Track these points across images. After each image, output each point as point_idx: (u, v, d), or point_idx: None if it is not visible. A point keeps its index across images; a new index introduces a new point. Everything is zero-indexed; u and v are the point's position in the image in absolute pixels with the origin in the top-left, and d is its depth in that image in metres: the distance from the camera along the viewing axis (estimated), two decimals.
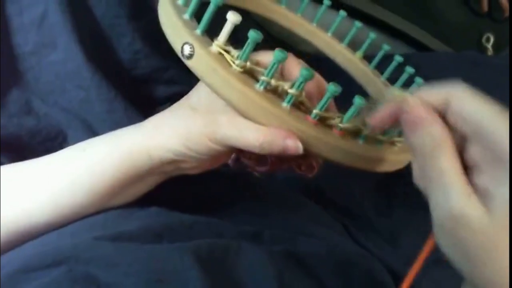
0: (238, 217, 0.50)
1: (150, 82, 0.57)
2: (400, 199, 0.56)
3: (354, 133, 0.39)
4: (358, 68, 0.56)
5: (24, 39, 0.51)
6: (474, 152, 0.30)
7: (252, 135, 0.37)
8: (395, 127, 0.37)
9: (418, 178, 0.32)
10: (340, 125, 0.38)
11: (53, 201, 0.43)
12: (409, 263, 0.51)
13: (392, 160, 0.41)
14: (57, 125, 0.53)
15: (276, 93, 0.38)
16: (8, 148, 0.50)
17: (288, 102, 0.37)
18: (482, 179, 0.29)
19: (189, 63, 0.37)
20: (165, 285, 0.35)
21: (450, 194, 0.29)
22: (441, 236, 0.30)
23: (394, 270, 0.52)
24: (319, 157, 0.39)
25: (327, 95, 0.36)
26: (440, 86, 0.31)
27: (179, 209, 0.46)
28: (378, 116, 0.34)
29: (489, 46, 0.86)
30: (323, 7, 0.53)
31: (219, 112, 0.39)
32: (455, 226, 0.28)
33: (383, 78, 0.54)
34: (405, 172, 0.37)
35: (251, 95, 0.36)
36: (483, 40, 0.87)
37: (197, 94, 0.42)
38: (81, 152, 0.44)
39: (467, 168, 0.30)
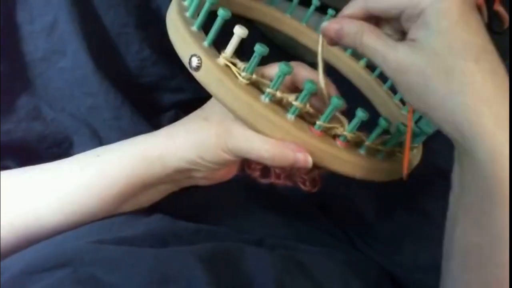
0: (240, 225, 0.50)
1: (156, 89, 0.57)
2: (401, 204, 0.56)
3: (356, 144, 0.40)
4: (362, 77, 0.57)
5: (35, 46, 0.52)
6: (403, 23, 0.36)
7: (263, 146, 0.38)
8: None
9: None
10: (344, 135, 0.39)
11: (64, 205, 0.43)
12: (410, 269, 0.52)
13: (392, 170, 0.42)
14: (64, 131, 0.54)
15: (281, 105, 0.39)
16: (15, 152, 0.52)
17: (293, 113, 0.38)
18: (410, 33, 0.35)
19: (196, 74, 0.38)
20: (169, 286, 0.35)
21: (383, 54, 0.36)
22: (399, 85, 0.36)
23: (395, 275, 0.52)
24: (323, 167, 0.39)
25: (330, 107, 0.37)
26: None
27: (182, 217, 0.47)
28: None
29: None
30: (327, 16, 0.53)
31: (232, 123, 0.40)
32: (398, 70, 0.35)
33: (385, 87, 0.55)
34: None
35: (256, 107, 0.37)
36: None
37: (211, 105, 0.43)
38: (94, 158, 0.45)
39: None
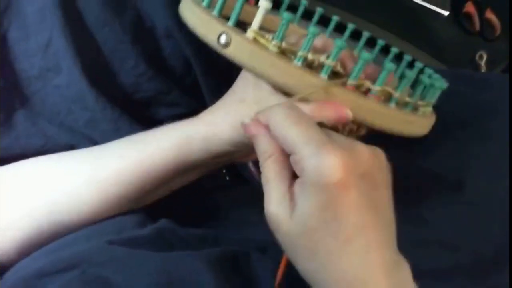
0: (245, 231, 0.51)
1: (152, 104, 0.58)
2: (398, 213, 0.56)
3: (387, 97, 0.42)
4: None
5: (30, 64, 0.52)
6: (292, 164, 0.32)
7: (306, 110, 0.36)
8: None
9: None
10: (374, 89, 0.40)
11: (101, 192, 0.44)
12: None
13: (422, 123, 0.45)
14: (64, 145, 0.54)
15: (312, 67, 0.40)
16: None
17: (326, 72, 0.39)
18: (295, 188, 0.32)
19: (226, 51, 0.39)
20: (177, 286, 0.36)
21: (269, 199, 0.32)
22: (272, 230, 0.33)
23: None
24: (359, 121, 0.40)
25: (360, 62, 0.39)
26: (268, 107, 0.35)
27: (189, 224, 0.47)
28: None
29: (482, 63, 0.88)
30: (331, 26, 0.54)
31: (268, 99, 0.40)
32: (273, 227, 0.32)
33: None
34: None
35: (292, 70, 0.38)
36: (477, 57, 0.89)
37: (243, 86, 0.43)
38: (133, 144, 0.46)
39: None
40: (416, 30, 0.88)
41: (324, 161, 0.30)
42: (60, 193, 0.45)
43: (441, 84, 0.46)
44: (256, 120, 0.35)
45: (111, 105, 0.53)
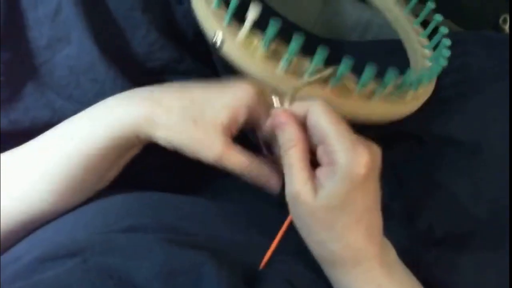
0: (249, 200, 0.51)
1: (165, 73, 0.56)
2: (413, 179, 0.57)
3: (370, 94, 0.45)
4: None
5: (39, 33, 0.51)
6: (320, 152, 0.39)
7: (238, 161, 0.43)
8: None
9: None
10: (357, 89, 0.43)
11: (51, 179, 0.44)
12: (426, 242, 0.52)
13: (409, 105, 0.48)
14: None
15: (298, 69, 0.43)
16: (23, 142, 0.51)
17: (310, 75, 0.42)
18: (321, 174, 0.38)
19: (220, 50, 0.43)
20: (179, 278, 0.36)
21: (293, 180, 0.38)
22: (290, 211, 0.40)
23: (411, 251, 0.52)
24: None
25: (342, 67, 0.41)
26: (305, 101, 0.40)
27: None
28: (267, 126, 0.42)
29: (507, 27, 0.85)
30: None
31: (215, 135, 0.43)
32: (294, 204, 0.38)
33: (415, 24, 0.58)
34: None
35: (277, 72, 0.42)
36: (500, 21, 0.85)
37: (202, 108, 0.44)
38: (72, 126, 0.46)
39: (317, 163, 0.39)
40: None
41: (358, 158, 0.36)
42: (16, 189, 0.44)
43: (432, 74, 0.48)
44: (286, 110, 0.40)
45: (121, 76, 0.52)
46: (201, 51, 0.57)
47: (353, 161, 0.36)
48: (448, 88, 0.56)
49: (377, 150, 0.38)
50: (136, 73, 0.54)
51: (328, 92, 0.43)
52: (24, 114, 0.52)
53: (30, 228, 0.44)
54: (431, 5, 0.48)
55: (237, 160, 0.43)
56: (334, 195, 0.37)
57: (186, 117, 0.42)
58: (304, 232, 0.40)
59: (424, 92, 0.50)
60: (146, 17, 0.53)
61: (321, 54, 0.40)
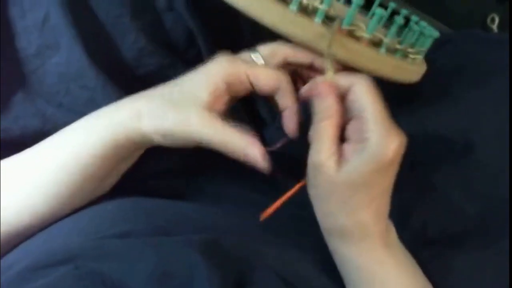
0: (241, 206, 0.51)
1: (155, 80, 0.55)
2: (406, 178, 0.56)
3: (377, 44, 0.45)
4: None
5: (28, 42, 0.51)
6: (351, 129, 0.40)
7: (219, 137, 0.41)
8: None
9: (310, 133, 0.41)
10: (365, 35, 0.43)
11: (48, 187, 0.44)
12: (419, 242, 0.52)
13: (409, 69, 0.48)
14: (63, 126, 0.53)
15: (307, 13, 0.43)
16: (15, 151, 0.51)
17: (320, 17, 0.42)
18: (348, 149, 0.39)
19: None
20: (171, 281, 0.35)
21: (319, 149, 0.39)
22: (308, 178, 0.41)
23: None
24: (349, 65, 0.43)
25: (353, 7, 0.42)
26: (351, 74, 0.41)
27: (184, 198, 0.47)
28: (305, 91, 0.43)
29: (495, 27, 0.85)
30: None
31: (192, 114, 0.42)
32: (315, 173, 0.39)
33: None
34: None
35: (287, 15, 0.41)
36: (488, 21, 0.86)
37: (181, 91, 0.43)
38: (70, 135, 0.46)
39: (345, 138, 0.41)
40: None
41: (389, 142, 0.37)
42: (15, 198, 0.44)
43: (431, 32, 0.49)
44: (330, 81, 0.41)
45: (111, 83, 0.52)
46: (192, 57, 0.57)
47: (385, 144, 0.37)
48: (441, 86, 0.56)
49: (404, 140, 0.39)
50: (126, 79, 0.53)
51: (340, 37, 0.42)
52: (14, 123, 0.51)
53: (23, 237, 0.44)
54: (392, 5, 0.49)
55: (215, 132, 0.41)
56: (358, 172, 0.38)
57: (165, 101, 0.42)
58: (316, 202, 0.42)
59: (422, 65, 0.51)
60: (135, 23, 0.53)
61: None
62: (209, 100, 0.42)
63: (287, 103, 0.44)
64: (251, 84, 0.43)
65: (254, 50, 0.46)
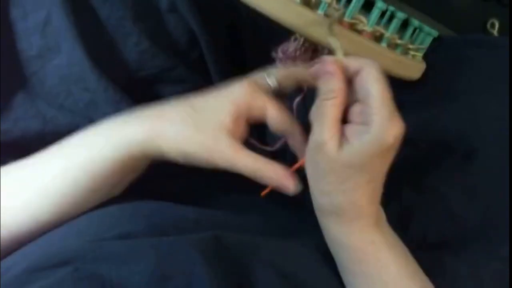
0: (242, 209, 0.51)
1: (157, 82, 0.56)
2: (408, 183, 0.57)
3: (378, 37, 0.46)
4: None
5: (29, 44, 0.51)
6: (355, 111, 0.40)
7: (247, 164, 0.43)
8: None
9: (312, 111, 0.41)
10: (366, 29, 0.45)
11: (50, 196, 0.44)
12: (419, 247, 0.52)
13: (409, 65, 0.50)
14: (64, 128, 0.52)
15: (310, 4, 0.44)
16: (16, 152, 0.50)
17: (322, 9, 0.43)
18: (350, 131, 0.40)
19: None
20: (171, 282, 0.35)
21: (321, 129, 0.40)
22: (308, 156, 0.42)
23: None
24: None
25: (355, 1, 0.43)
26: (360, 58, 0.41)
27: (184, 201, 0.47)
28: (313, 70, 0.42)
29: (495, 32, 0.85)
30: None
31: (219, 139, 0.43)
32: (316, 152, 0.40)
33: None
34: None
35: (291, 6, 0.43)
36: (488, 25, 0.86)
37: (204, 112, 0.44)
38: (77, 148, 0.45)
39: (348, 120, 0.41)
40: None
41: (391, 127, 0.38)
42: (15, 204, 0.44)
43: (431, 30, 0.50)
44: (338, 60, 0.41)
45: (112, 85, 0.51)
46: (194, 59, 0.56)
47: (387, 129, 0.38)
48: (441, 90, 0.56)
49: (403, 126, 0.39)
50: (128, 82, 0.53)
51: (343, 28, 0.44)
52: (14, 124, 0.51)
53: (24, 243, 0.43)
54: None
55: (247, 162, 0.43)
56: (358, 154, 0.39)
57: (189, 124, 0.43)
58: (313, 180, 0.42)
59: (422, 63, 0.52)
60: (137, 26, 0.53)
61: None
62: (232, 125, 0.43)
63: (294, 144, 0.47)
64: (262, 116, 0.45)
65: (269, 73, 0.47)
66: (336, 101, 0.40)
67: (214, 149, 0.43)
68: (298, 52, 0.49)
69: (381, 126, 0.38)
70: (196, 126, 0.43)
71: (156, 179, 0.54)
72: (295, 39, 0.49)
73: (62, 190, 0.44)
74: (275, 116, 0.45)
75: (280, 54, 0.50)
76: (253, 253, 0.41)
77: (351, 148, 0.39)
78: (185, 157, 0.43)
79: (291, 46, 0.49)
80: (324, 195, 0.42)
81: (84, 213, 0.45)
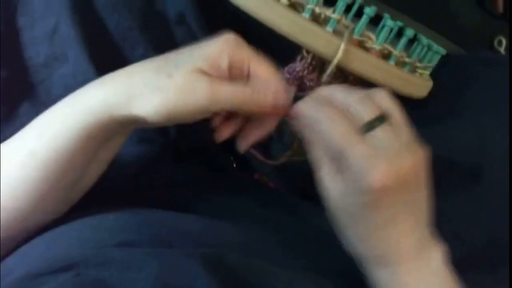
0: (244, 218, 0.51)
1: None
2: None
3: (386, 55, 0.46)
4: None
5: (36, 52, 0.51)
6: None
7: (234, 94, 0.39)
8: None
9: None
10: (375, 46, 0.44)
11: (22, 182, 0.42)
12: None
13: (417, 83, 0.49)
14: None
15: (319, 21, 0.44)
16: None
17: (331, 26, 0.43)
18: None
19: (240, 1, 0.43)
20: None
21: (320, 174, 0.39)
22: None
23: None
24: (359, 74, 0.44)
25: (364, 17, 0.43)
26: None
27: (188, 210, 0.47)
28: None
29: (502, 49, 0.85)
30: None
31: (196, 79, 0.39)
32: (325, 196, 0.39)
33: None
34: None
35: (300, 21, 0.42)
36: (495, 43, 0.86)
37: (176, 60, 0.41)
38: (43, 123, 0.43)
39: None
40: (433, 12, 0.86)
41: (373, 170, 0.35)
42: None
43: (438, 48, 0.50)
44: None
45: None
46: None
47: (367, 173, 0.35)
48: (447, 107, 0.56)
49: (411, 160, 0.37)
50: None
51: (352, 46, 0.43)
52: (18, 131, 0.51)
53: (17, 240, 0.43)
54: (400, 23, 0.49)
55: (230, 91, 0.39)
56: (345, 204, 0.38)
57: (160, 72, 0.39)
58: (336, 226, 0.40)
59: (429, 81, 0.52)
60: (145, 36, 0.53)
61: (343, 2, 0.42)
62: (207, 69, 0.39)
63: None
64: (245, 70, 0.41)
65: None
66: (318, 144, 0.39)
67: (188, 89, 0.38)
68: (304, 72, 0.49)
69: (359, 170, 0.36)
70: (167, 74, 0.38)
71: (157, 187, 0.54)
72: (302, 59, 0.48)
73: (28, 174, 0.42)
74: (259, 70, 0.41)
75: (286, 75, 0.50)
76: (258, 275, 0.41)
77: (335, 194, 0.38)
78: (159, 110, 0.38)
79: (297, 66, 0.49)
80: (345, 241, 0.41)
81: (82, 218, 0.45)
